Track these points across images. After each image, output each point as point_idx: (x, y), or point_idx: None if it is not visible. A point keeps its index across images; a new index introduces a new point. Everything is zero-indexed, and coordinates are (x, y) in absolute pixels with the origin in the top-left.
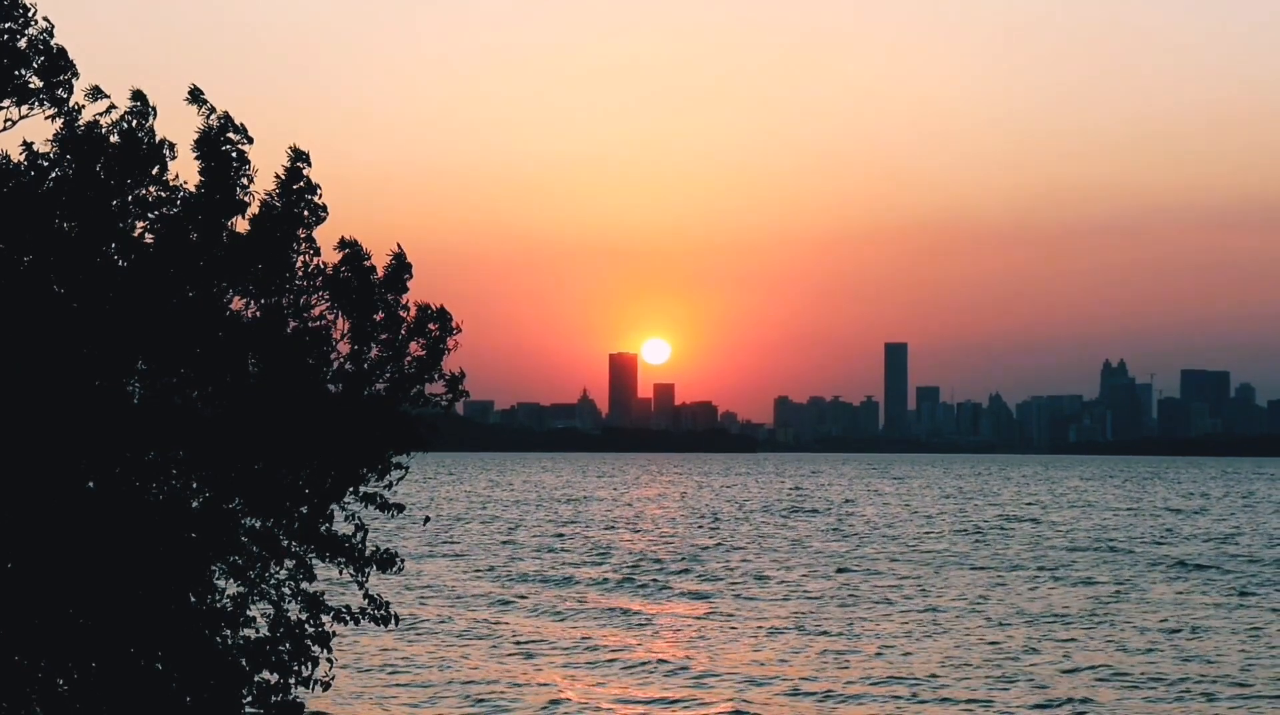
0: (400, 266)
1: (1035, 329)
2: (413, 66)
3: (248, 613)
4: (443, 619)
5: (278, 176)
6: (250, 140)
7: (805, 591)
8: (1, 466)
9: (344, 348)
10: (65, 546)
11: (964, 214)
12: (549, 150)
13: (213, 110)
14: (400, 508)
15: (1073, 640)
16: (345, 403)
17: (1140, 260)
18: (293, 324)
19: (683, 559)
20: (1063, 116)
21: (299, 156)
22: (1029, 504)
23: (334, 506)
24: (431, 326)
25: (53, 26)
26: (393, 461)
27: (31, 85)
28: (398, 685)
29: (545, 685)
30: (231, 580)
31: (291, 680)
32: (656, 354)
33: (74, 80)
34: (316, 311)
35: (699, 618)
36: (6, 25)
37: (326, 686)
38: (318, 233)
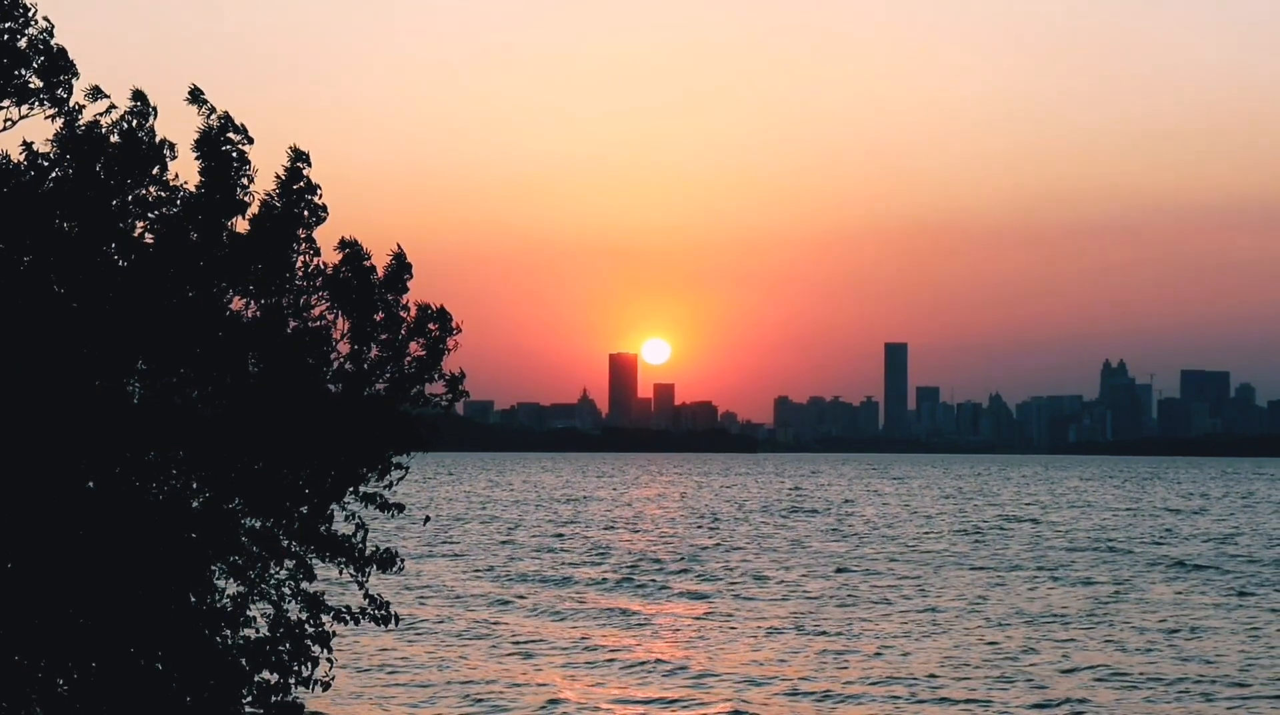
0: (400, 266)
1: (1035, 329)
2: (413, 67)
3: (248, 613)
4: (442, 619)
5: (278, 176)
6: (250, 140)
7: (804, 591)
8: (2, 466)
9: (344, 348)
10: (65, 546)
11: (964, 214)
12: (549, 150)
13: (213, 110)
14: (400, 507)
15: (1072, 640)
16: (345, 403)
17: (1140, 260)
18: (293, 324)
19: (682, 559)
20: (1063, 116)
21: (299, 156)
22: (1028, 504)
23: (334, 506)
24: (431, 326)
25: (53, 26)
26: (393, 461)
27: (31, 85)
28: (397, 685)
29: (544, 685)
30: (231, 580)
31: (291, 680)
32: (656, 354)
33: (74, 80)
34: (316, 311)
35: (698, 618)
36: (6, 25)
37: (326, 686)
38: (318, 233)
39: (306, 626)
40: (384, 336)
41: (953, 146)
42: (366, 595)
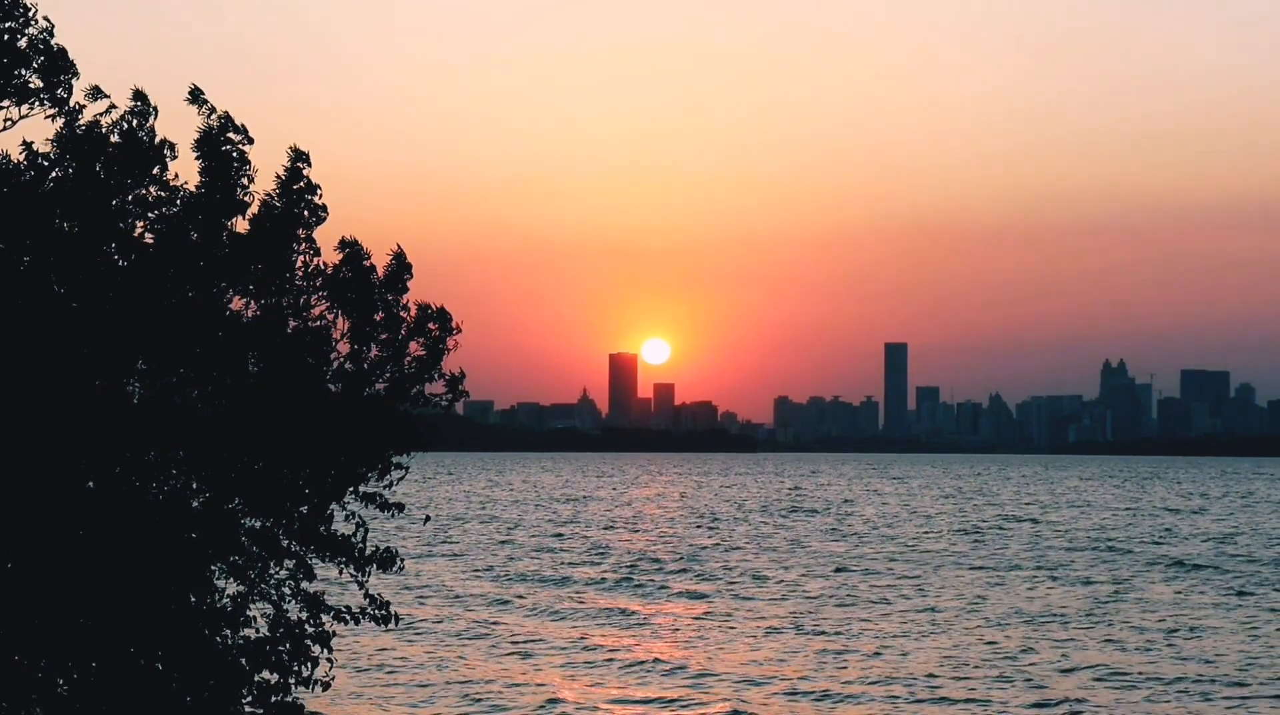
0: (400, 266)
1: (1035, 329)
2: (413, 67)
3: (248, 613)
4: (441, 619)
5: (278, 176)
6: (250, 140)
7: (803, 591)
8: (2, 466)
9: (344, 348)
10: (65, 546)
11: (964, 214)
12: (549, 150)
13: (213, 110)
14: (400, 507)
15: (1071, 640)
16: (345, 403)
17: (1140, 260)
18: (293, 324)
19: (681, 559)
20: (1063, 116)
21: (299, 157)
22: (1028, 504)
23: (334, 506)
24: (431, 326)
25: (53, 26)
26: (393, 461)
27: (31, 85)
28: (396, 685)
29: (543, 685)
30: (231, 580)
31: (291, 680)
32: (656, 354)
33: (74, 80)
34: (316, 311)
35: (697, 617)
36: (6, 25)
37: (326, 686)
38: (318, 233)
39: (306, 626)
40: (384, 336)
41: (953, 146)
42: (366, 595)
